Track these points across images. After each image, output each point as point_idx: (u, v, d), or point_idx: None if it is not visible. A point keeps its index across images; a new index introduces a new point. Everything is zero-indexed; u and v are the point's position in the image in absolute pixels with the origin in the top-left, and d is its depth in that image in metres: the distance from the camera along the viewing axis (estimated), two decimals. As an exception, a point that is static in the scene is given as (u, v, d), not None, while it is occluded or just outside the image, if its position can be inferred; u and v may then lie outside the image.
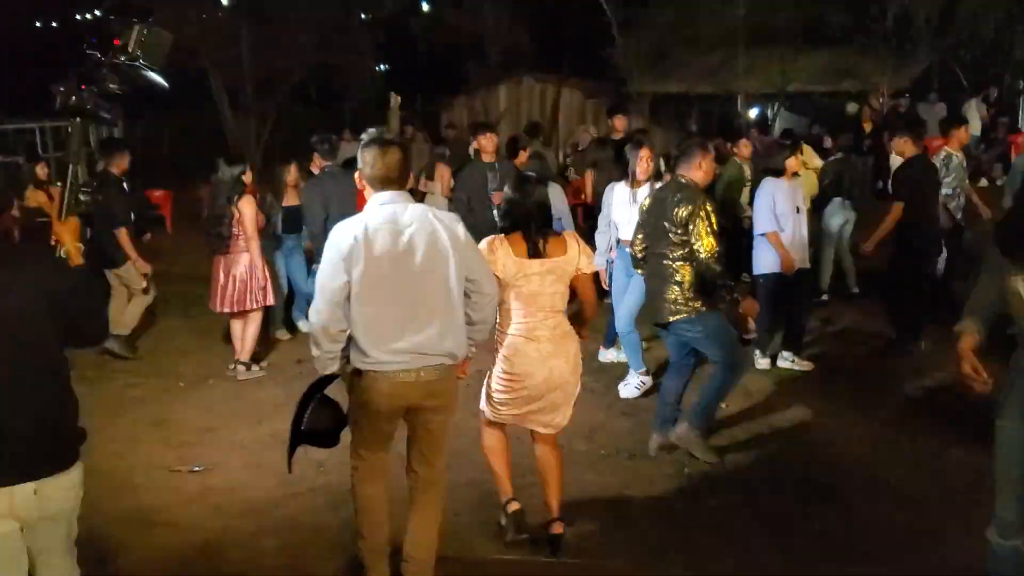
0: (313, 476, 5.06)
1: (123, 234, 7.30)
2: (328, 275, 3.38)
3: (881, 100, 14.96)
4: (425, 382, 3.48)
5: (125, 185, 7.61)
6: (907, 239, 6.93)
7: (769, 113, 18.11)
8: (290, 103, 19.31)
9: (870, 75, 16.46)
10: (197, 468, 5.22)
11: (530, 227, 3.97)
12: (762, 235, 6.54)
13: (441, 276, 3.44)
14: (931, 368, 6.66)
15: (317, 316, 3.45)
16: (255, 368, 7.07)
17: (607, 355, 7.16)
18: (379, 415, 3.55)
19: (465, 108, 22.49)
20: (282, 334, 8.05)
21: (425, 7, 25.06)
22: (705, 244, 4.81)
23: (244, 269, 6.81)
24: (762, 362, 6.81)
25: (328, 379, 3.60)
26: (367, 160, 3.46)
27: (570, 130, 20.23)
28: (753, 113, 18.60)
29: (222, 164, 6.82)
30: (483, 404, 4.20)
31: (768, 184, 6.60)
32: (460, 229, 3.51)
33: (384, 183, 3.46)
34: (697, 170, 5.03)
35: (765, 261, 6.58)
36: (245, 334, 7.00)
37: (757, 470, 5.14)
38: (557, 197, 6.78)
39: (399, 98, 10.25)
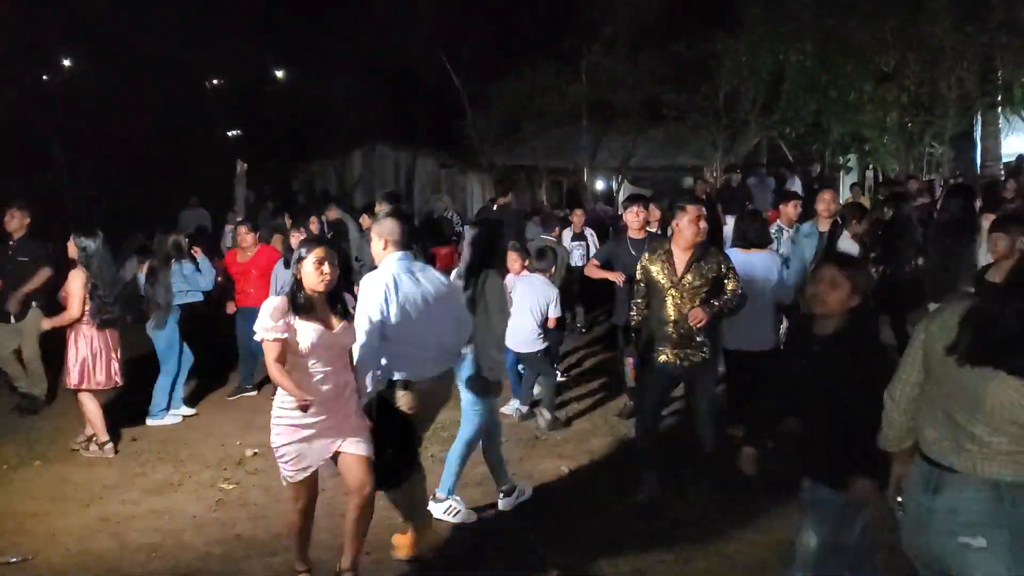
0: (144, 561, 4.88)
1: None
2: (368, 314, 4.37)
3: (715, 174, 15.92)
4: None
5: None
6: None
7: (614, 185, 18.93)
8: (134, 169, 18.67)
9: (704, 151, 17.53)
10: (14, 560, 4.91)
11: None
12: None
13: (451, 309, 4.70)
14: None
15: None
16: (108, 447, 6.75)
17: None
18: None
19: (318, 175, 22.47)
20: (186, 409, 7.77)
21: (279, 74, 25.04)
22: None
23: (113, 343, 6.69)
24: None
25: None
26: (391, 228, 4.59)
27: (425, 198, 20.53)
28: (600, 185, 19.39)
29: (85, 237, 6.54)
30: None
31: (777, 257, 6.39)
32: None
33: (398, 245, 4.59)
34: (675, 232, 5.18)
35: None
36: (98, 410, 6.73)
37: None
38: None
39: (245, 165, 10.23)
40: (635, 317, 5.42)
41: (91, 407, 6.68)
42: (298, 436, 4.13)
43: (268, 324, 4.00)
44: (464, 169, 21.85)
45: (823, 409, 3.44)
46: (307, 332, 4.02)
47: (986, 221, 6.41)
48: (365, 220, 8.79)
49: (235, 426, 7.39)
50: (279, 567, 4.72)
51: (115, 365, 6.69)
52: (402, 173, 22.46)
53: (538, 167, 20.04)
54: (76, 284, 6.50)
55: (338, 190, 21.30)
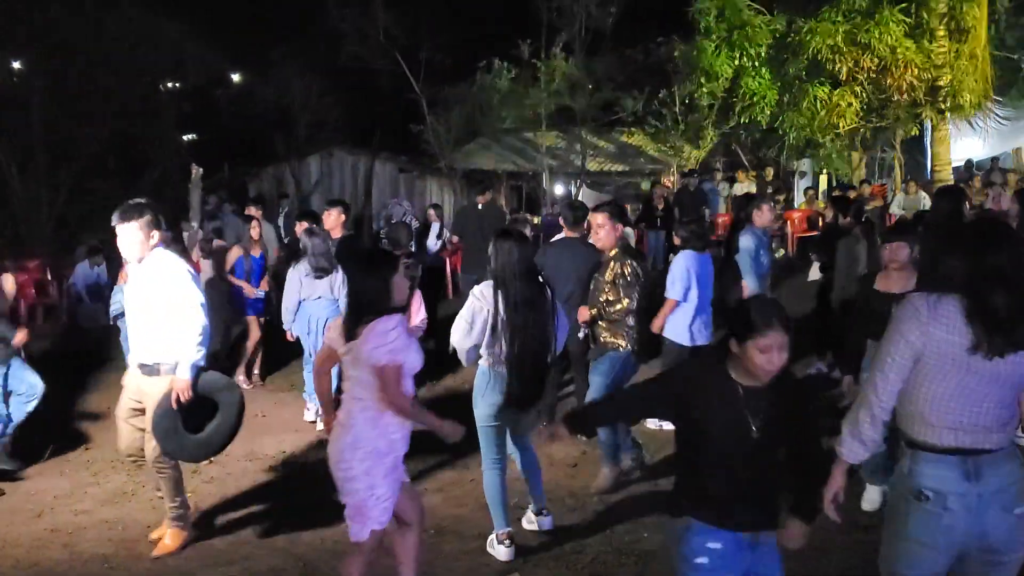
0: (97, 572, 4.78)
1: None
2: None
3: (672, 179, 16.06)
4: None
5: None
6: None
7: (572, 189, 19.01)
8: (86, 173, 18.28)
9: (661, 156, 17.69)
10: (-39, 573, 4.79)
11: None
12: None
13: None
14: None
15: None
16: None
17: None
18: None
19: (274, 179, 22.25)
20: None
21: (235, 78, 24.76)
22: None
23: None
24: None
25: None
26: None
27: (383, 203, 20.44)
28: (559, 189, 19.46)
29: None
30: None
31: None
32: None
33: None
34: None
35: None
36: None
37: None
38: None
39: (200, 170, 10.11)
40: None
41: None
42: (398, 473, 3.64)
43: (399, 345, 3.40)
44: (423, 174, 21.80)
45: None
46: (417, 351, 3.56)
47: None
48: (300, 226, 8.41)
49: (190, 434, 7.25)
50: (236, 576, 4.65)
51: None
52: (360, 177, 22.35)
53: (497, 171, 20.08)
54: (10, 284, 6.45)
55: (295, 195, 21.13)
